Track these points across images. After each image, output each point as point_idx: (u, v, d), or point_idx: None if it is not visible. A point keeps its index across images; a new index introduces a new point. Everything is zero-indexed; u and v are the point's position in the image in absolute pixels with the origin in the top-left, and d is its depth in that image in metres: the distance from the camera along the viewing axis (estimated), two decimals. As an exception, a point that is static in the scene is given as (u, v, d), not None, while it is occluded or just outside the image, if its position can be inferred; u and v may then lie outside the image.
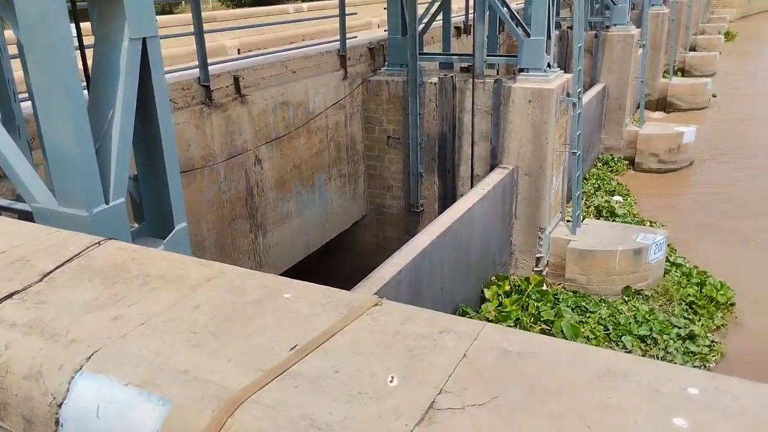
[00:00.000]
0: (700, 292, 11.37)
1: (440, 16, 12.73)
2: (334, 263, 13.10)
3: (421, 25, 12.31)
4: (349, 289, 7.45)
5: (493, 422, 1.47)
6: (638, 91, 20.24)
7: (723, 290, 11.43)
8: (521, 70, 11.19)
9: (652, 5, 24.32)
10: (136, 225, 3.88)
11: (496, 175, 11.05)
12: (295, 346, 1.75)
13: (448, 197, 12.21)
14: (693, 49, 38.08)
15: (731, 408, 1.49)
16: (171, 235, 3.67)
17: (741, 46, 45.54)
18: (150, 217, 3.79)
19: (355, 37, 12.38)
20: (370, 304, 2.00)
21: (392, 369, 1.66)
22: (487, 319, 9.37)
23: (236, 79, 9.35)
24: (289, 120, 10.57)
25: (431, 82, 11.75)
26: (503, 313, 9.66)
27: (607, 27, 19.13)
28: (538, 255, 11.60)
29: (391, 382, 1.61)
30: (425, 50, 12.73)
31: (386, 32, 12.34)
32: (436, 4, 12.49)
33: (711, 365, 9.76)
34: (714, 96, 27.66)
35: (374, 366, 1.67)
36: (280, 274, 8.83)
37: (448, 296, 9.29)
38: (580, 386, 1.58)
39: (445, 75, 11.66)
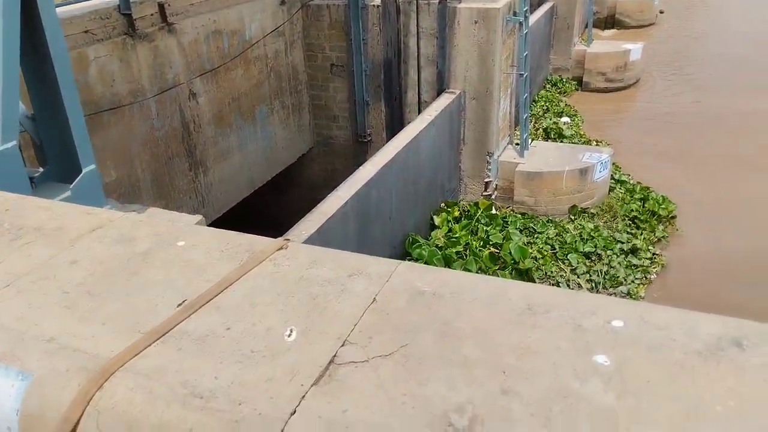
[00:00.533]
0: (643, 207, 11.62)
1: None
2: (282, 198, 12.83)
3: (360, -57, 11.60)
4: (293, 225, 7.28)
5: (398, 374, 1.33)
6: (587, 9, 19.94)
7: (665, 204, 11.71)
8: (466, -12, 10.75)
9: None
10: (41, 170, 3.54)
11: (443, 101, 10.80)
12: (183, 301, 1.55)
13: (396, 125, 11.93)
14: (641, -37, 37.54)
15: (656, 340, 1.38)
16: (78, 179, 3.35)
17: (688, -41, 45.15)
18: (53, 161, 3.45)
19: (290, -44, 11.62)
20: (275, 247, 1.80)
21: (292, 321, 1.49)
22: (437, 246, 9.38)
23: (161, 6, 8.67)
24: (223, 50, 9.97)
25: (374, 5, 11.20)
26: (452, 239, 9.67)
27: (554, -59, 18.52)
28: (487, 179, 11.57)
29: (290, 336, 1.44)
30: (365, -30, 12.05)
31: (323, -49, 11.60)
32: None
33: (652, 276, 10.09)
34: (661, 12, 27.55)
35: (272, 319, 1.49)
36: (225, 213, 8.56)
37: (397, 225, 9.21)
38: (497, 327, 1.44)
39: (387, -4, 11.11)
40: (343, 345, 1.41)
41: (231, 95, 10.19)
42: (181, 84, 9.19)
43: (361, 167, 8.49)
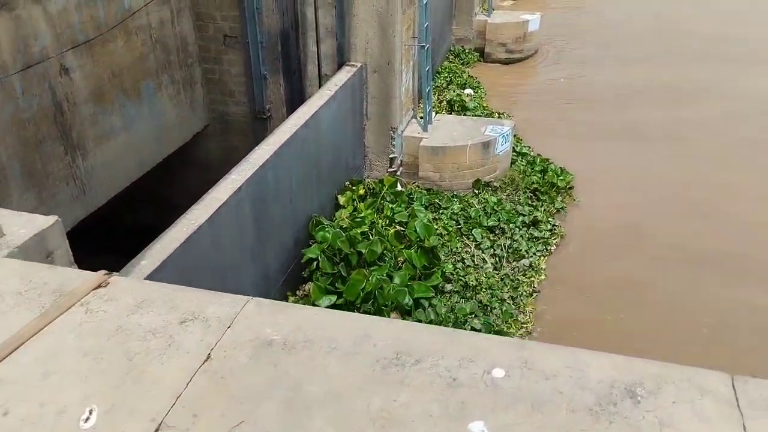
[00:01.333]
0: (543, 178, 11.87)
1: None
2: (177, 180, 12.04)
3: None
4: (188, 207, 6.75)
5: (226, 470, 1.03)
6: (486, -21, 19.98)
7: (563, 175, 12.02)
8: (363, -44, 10.32)
9: None
10: None
11: (344, 74, 10.42)
12: (-54, 378, 1.18)
13: (296, 100, 11.42)
14: (538, -66, 38.26)
15: (542, 395, 1.16)
16: None
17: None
18: None
19: None
20: (91, 285, 1.44)
21: (95, 396, 1.15)
22: (341, 227, 9.10)
23: (20, -30, 7.66)
24: (99, 19, 9.02)
25: (266, -29, 10.54)
26: (357, 220, 9.42)
27: None
28: (391, 155, 11.38)
29: (87, 420, 1.11)
30: (256, -67, 11.31)
31: None
32: None
33: (552, 248, 10.35)
34: (557, -17, 28.20)
35: (68, 395, 1.15)
36: (112, 198, 7.74)
37: (299, 208, 8.83)
38: (356, 388, 1.18)
39: (280, -37, 10.49)
40: (157, 429, 1.09)
41: (111, 70, 9.29)
42: (50, 58, 8.23)
43: (256, 147, 8.00)
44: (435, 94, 15.68)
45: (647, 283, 9.71)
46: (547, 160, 12.60)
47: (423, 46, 11.09)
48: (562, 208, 11.35)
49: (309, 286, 8.63)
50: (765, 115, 14.96)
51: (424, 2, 10.74)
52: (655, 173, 12.65)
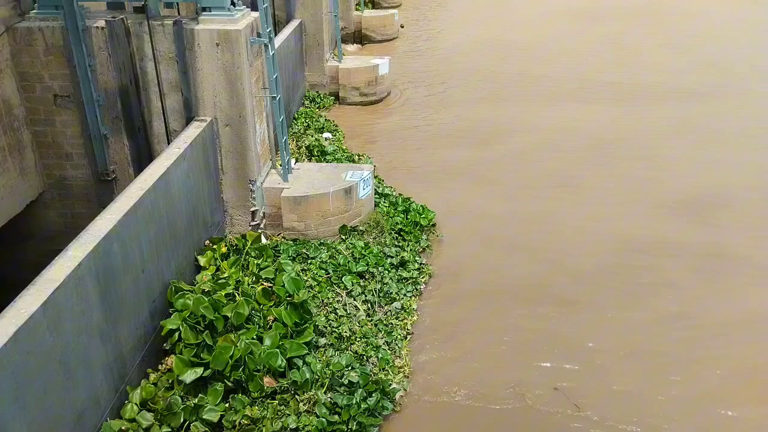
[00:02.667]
0: (406, 218, 12.09)
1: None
2: (12, 255, 10.79)
3: (74, -44, 10.17)
4: (28, 283, 5.91)
5: None
6: (334, 26, 20.45)
7: (425, 213, 12.34)
8: (204, 9, 10.03)
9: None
10: None
11: (194, 130, 9.97)
12: None
13: (143, 158, 10.73)
14: (380, -20, 40.14)
15: None
16: None
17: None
18: None
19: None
20: None
21: None
22: (203, 291, 8.56)
23: None
24: None
25: (98, 27, 9.89)
26: (221, 281, 8.92)
27: (295, -41, 18.63)
28: (253, 209, 11.01)
29: None
30: (85, -13, 10.63)
31: (27, -36, 9.93)
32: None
33: (421, 287, 10.49)
34: (402, 26, 29.61)
35: None
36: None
37: (153, 276, 8.17)
38: None
39: (113, 17, 9.90)
40: None
41: None
42: None
43: (98, 217, 7.31)
44: (293, 140, 15.58)
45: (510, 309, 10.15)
46: (409, 199, 12.89)
47: (274, 96, 10.95)
48: (427, 246, 11.59)
49: (172, 360, 7.95)
50: (563, 143, 16.58)
51: (271, 54, 10.63)
52: (496, 206, 13.43)
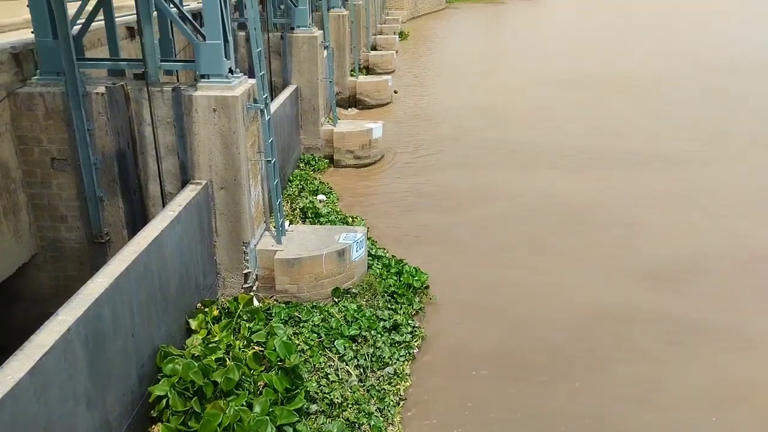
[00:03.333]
0: (399, 280, 12.08)
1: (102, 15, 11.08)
2: (3, 317, 10.65)
3: (78, 26, 10.55)
4: (18, 347, 5.82)
5: None
6: (329, 91, 21.00)
7: (418, 275, 12.34)
8: (202, 76, 10.33)
9: (332, 7, 25.57)
10: None
11: (189, 193, 10.06)
12: None
13: (138, 221, 10.79)
14: (374, 48, 41.60)
15: None
16: None
17: (413, 43, 51.45)
18: None
19: (-10, 40, 10.02)
20: None
21: None
22: (193, 356, 8.43)
23: None
24: None
25: (98, 93, 10.15)
26: (211, 345, 8.81)
27: (292, 28, 19.32)
28: (246, 271, 10.99)
29: None
30: (87, 55, 10.99)
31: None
32: (93, 1, 10.83)
33: (415, 351, 10.37)
34: (396, 92, 30.46)
35: None
36: None
37: (143, 341, 8.07)
38: None
39: (114, 84, 10.18)
40: None
41: None
42: None
43: (89, 281, 7.29)
44: (288, 202, 15.72)
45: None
46: (402, 261, 12.91)
47: (269, 160, 11.13)
48: (420, 308, 11.54)
49: (158, 429, 7.75)
50: (543, 209, 16.83)
51: (267, 119, 10.89)
52: (483, 270, 13.48)
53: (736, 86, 33.13)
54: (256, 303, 10.75)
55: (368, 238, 13.26)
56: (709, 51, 45.35)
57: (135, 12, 10.29)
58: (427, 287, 12.22)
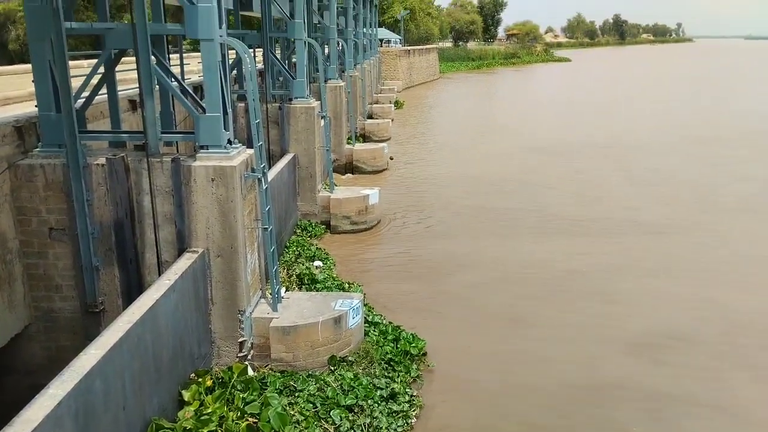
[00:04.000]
0: (396, 347, 11.93)
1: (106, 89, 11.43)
2: (-9, 391, 10.44)
3: (81, 100, 10.87)
4: (9, 421, 5.68)
5: None
6: (326, 159, 21.38)
7: (415, 342, 12.20)
8: (201, 147, 10.56)
9: (329, 79, 26.39)
10: None
11: (185, 261, 10.09)
12: None
13: (133, 290, 10.77)
14: (370, 116, 42.64)
15: None
16: None
17: (408, 112, 52.75)
18: None
19: (-6, 114, 10.29)
20: None
21: None
22: (185, 429, 8.23)
23: None
24: None
25: (98, 164, 10.35)
26: (204, 417, 8.61)
27: (290, 100, 19.88)
28: (241, 339, 10.87)
29: None
30: (89, 127, 11.26)
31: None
32: (98, 76, 11.20)
33: (413, 421, 10.13)
34: (391, 158, 31.01)
35: None
36: None
37: (134, 414, 7.89)
38: None
39: (114, 155, 10.39)
40: None
41: None
42: None
43: (83, 352, 7.21)
44: (284, 268, 15.71)
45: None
46: (399, 327, 12.79)
47: (266, 228, 11.23)
48: (418, 376, 11.35)
49: (148, 507, 7.48)
50: (530, 277, 16.75)
51: (264, 187, 11.06)
52: (475, 339, 13.35)
53: (719, 153, 33.70)
54: (250, 372, 10.58)
55: (365, 305, 13.20)
56: (693, 118, 46.44)
57: (138, 86, 10.65)
58: (424, 354, 12.07)
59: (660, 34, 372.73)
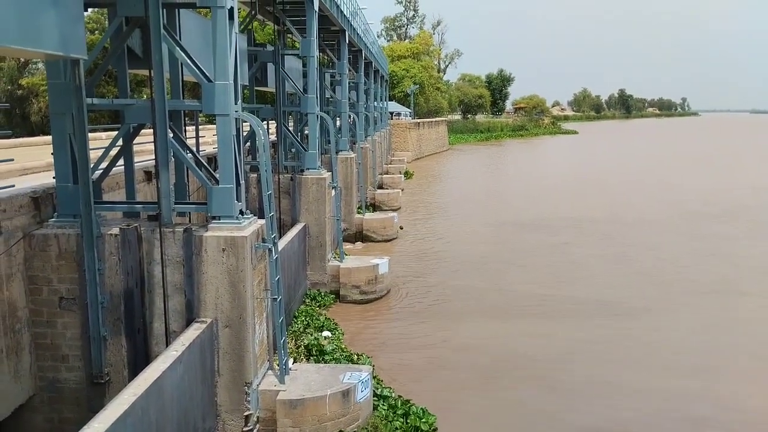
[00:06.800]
0: (406, 422, 11.60)
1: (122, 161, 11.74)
2: (-11, 466, 10.16)
3: (99, 171, 11.14)
4: None
5: None
6: (336, 228, 21.53)
7: (425, 417, 11.85)
8: (213, 217, 10.71)
9: (340, 150, 26.97)
10: None
11: (193, 332, 10.02)
12: None
13: (139, 361, 10.65)
14: (381, 186, 43.20)
15: None
16: None
17: (417, 182, 53.43)
18: None
19: (13, 185, 10.50)
20: None
21: None
22: None
23: None
24: None
25: (111, 234, 10.48)
26: (206, 497, 8.29)
27: (302, 171, 20.26)
28: (247, 413, 10.62)
29: None
30: (105, 198, 11.48)
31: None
32: (117, 149, 11.52)
33: (425, 503, 9.69)
34: (401, 228, 31.16)
35: None
36: None
37: (134, 492, 7.63)
38: None
39: (128, 225, 10.54)
40: None
41: None
42: None
43: (86, 426, 7.06)
44: (292, 339, 15.52)
45: None
46: (409, 401, 12.47)
47: (275, 298, 11.19)
48: (428, 453, 10.96)
49: None
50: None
51: (275, 257, 11.10)
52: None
53: (706, 231, 32.42)
54: (255, 448, 10.27)
55: (374, 377, 12.93)
56: (687, 196, 45.66)
57: (153, 158, 10.93)
58: (435, 429, 11.70)
59: (665, 108, 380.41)
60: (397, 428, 11.33)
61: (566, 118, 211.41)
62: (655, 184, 52.80)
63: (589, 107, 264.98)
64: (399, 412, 11.95)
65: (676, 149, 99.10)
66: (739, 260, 26.39)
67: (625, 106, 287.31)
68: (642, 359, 15.79)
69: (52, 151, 10.69)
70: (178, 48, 10.51)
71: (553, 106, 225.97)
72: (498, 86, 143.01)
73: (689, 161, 77.39)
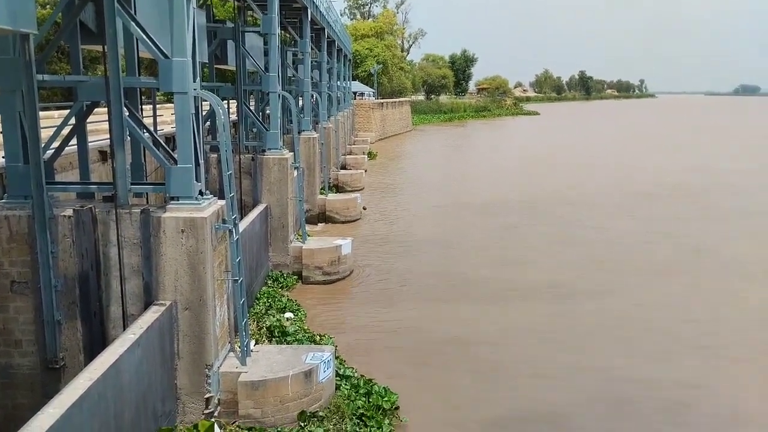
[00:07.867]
0: (368, 401, 11.70)
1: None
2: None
3: (51, 151, 10.77)
4: None
5: None
6: (299, 209, 21.39)
7: (387, 396, 11.97)
8: (172, 198, 10.49)
9: (303, 130, 26.68)
10: None
11: (152, 314, 9.86)
12: None
13: (96, 345, 10.43)
14: (344, 167, 43.01)
15: None
16: None
17: (381, 162, 53.36)
18: None
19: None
20: None
21: None
22: (147, 493, 7.85)
23: None
24: None
25: (65, 216, 10.18)
26: (166, 480, 8.25)
27: (263, 151, 19.99)
28: (207, 395, 10.55)
29: None
30: (57, 179, 11.13)
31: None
32: (69, 127, 11.15)
33: (386, 481, 9.84)
34: (365, 209, 31.15)
35: None
36: None
37: (92, 477, 7.53)
38: None
39: (82, 206, 10.24)
40: None
41: None
42: None
43: (39, 412, 6.91)
44: (254, 321, 15.44)
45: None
46: (371, 380, 12.57)
47: (236, 280, 11.09)
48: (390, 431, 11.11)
49: None
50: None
51: (235, 239, 10.97)
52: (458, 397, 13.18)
53: (658, 212, 32.96)
54: (217, 430, 10.22)
55: (336, 357, 12.98)
56: (641, 176, 46.47)
57: (108, 137, 10.62)
58: (396, 408, 11.84)
59: (624, 90, 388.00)
60: (359, 407, 11.42)
61: (528, 99, 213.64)
62: (610, 165, 53.80)
63: (550, 89, 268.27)
64: (361, 391, 12.04)
65: (633, 131, 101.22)
66: (682, 240, 27.02)
67: (585, 87, 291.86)
68: (581, 340, 15.78)
69: (0, 130, 10.28)
70: (133, 23, 10.17)
71: (515, 87, 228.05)
72: (461, 67, 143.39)
73: (645, 142, 79.15)
